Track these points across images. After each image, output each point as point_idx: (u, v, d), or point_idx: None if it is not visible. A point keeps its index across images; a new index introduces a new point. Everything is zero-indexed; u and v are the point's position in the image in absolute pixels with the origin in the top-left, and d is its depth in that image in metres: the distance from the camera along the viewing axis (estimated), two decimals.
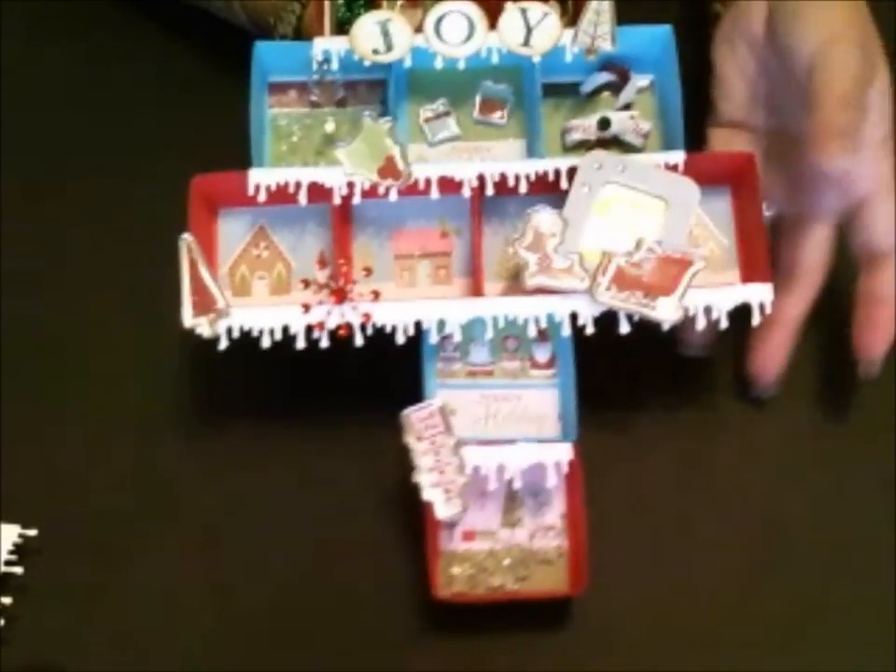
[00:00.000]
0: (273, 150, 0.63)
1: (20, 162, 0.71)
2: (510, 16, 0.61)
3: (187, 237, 0.58)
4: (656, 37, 0.62)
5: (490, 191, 0.59)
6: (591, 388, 0.60)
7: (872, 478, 0.63)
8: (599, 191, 0.58)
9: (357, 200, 0.59)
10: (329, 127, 0.63)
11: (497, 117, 0.63)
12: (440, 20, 0.60)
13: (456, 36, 0.60)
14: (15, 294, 0.68)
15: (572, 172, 0.59)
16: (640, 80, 0.63)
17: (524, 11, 0.61)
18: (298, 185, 0.59)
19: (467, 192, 0.59)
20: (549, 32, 0.60)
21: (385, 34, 0.61)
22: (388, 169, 0.59)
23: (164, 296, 0.59)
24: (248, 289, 0.61)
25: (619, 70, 0.63)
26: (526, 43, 0.60)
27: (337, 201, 0.59)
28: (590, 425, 0.60)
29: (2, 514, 0.62)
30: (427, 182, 0.59)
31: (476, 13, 0.61)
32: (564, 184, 0.59)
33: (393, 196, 0.59)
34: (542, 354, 0.61)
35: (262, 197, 0.59)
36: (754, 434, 0.64)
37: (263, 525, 0.62)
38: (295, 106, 0.64)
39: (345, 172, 0.58)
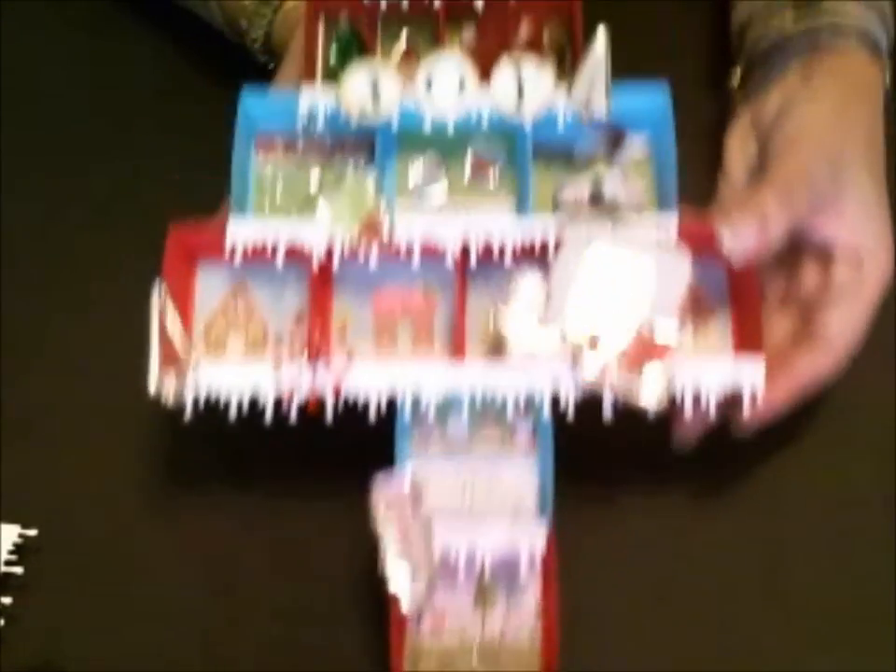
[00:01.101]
0: (256, 204, 0.61)
1: (19, 164, 0.71)
2: (503, 72, 0.58)
3: (158, 284, 0.56)
4: (653, 96, 0.60)
5: (474, 259, 0.57)
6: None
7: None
8: (587, 260, 0.57)
9: (336, 265, 0.57)
10: (315, 183, 0.61)
11: (487, 178, 0.62)
12: (430, 76, 0.59)
13: (447, 94, 0.58)
14: (15, 293, 0.68)
15: (560, 237, 0.57)
16: (636, 141, 0.61)
17: (517, 64, 0.59)
18: (276, 244, 0.56)
19: (450, 261, 0.57)
20: (542, 89, 0.58)
21: (375, 90, 0.59)
22: (370, 226, 0.57)
23: None
24: (223, 347, 0.59)
25: (614, 130, 0.61)
26: (518, 103, 0.58)
27: (315, 264, 0.57)
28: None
29: (2, 514, 0.62)
30: (409, 245, 0.56)
31: (468, 69, 0.58)
32: (551, 248, 0.56)
33: (373, 261, 0.57)
34: (523, 427, 0.59)
35: (239, 257, 0.57)
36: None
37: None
38: (281, 159, 0.62)
39: (325, 226, 0.57)
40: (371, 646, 0.57)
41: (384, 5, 0.61)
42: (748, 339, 0.58)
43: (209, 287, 0.60)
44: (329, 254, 0.57)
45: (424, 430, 0.58)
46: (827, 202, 0.60)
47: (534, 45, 0.62)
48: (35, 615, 0.60)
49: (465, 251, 0.57)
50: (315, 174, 0.61)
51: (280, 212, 0.61)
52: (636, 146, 0.61)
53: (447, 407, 0.58)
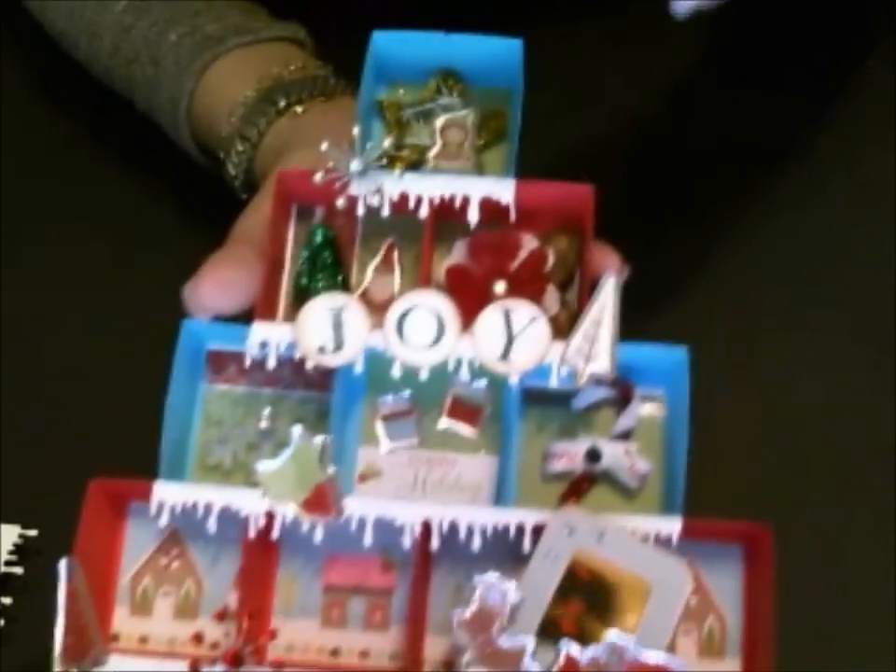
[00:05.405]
0: (200, 438, 0.53)
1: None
2: (489, 318, 0.49)
3: (69, 562, 0.48)
4: (670, 360, 0.50)
5: (436, 543, 0.48)
6: None
7: None
8: (567, 562, 0.48)
9: (275, 534, 0.49)
10: (267, 416, 0.52)
11: (468, 424, 0.53)
12: (403, 316, 0.50)
13: (422, 338, 0.49)
14: (15, 292, 0.67)
15: (538, 530, 0.48)
16: (646, 404, 0.52)
17: (507, 314, 0.50)
18: (208, 509, 0.49)
19: (408, 542, 0.49)
20: (534, 343, 0.49)
21: (337, 326, 0.50)
22: (316, 501, 0.48)
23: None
24: (149, 607, 0.51)
25: (621, 386, 0.52)
26: (506, 355, 0.49)
27: (252, 534, 0.49)
28: None
29: (2, 514, 0.61)
30: (362, 523, 0.48)
31: (448, 311, 0.49)
32: (526, 544, 0.47)
33: (318, 536, 0.49)
34: None
35: (164, 520, 0.49)
36: None
37: None
38: (232, 384, 0.53)
39: (265, 497, 0.48)
40: None
41: (361, 210, 0.52)
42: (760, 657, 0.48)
43: (139, 533, 0.52)
44: (270, 522, 0.49)
45: None
46: None
47: (535, 267, 0.52)
48: (34, 615, 0.56)
49: (426, 529, 0.49)
50: (267, 410, 0.52)
51: (225, 450, 0.53)
52: (645, 407, 0.52)
53: None
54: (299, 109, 0.61)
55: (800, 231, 0.67)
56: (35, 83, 0.77)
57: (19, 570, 0.60)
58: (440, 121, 0.54)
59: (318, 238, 0.54)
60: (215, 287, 0.51)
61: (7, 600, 0.59)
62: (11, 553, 0.60)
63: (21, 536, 0.60)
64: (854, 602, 0.56)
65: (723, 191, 0.69)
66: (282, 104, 0.61)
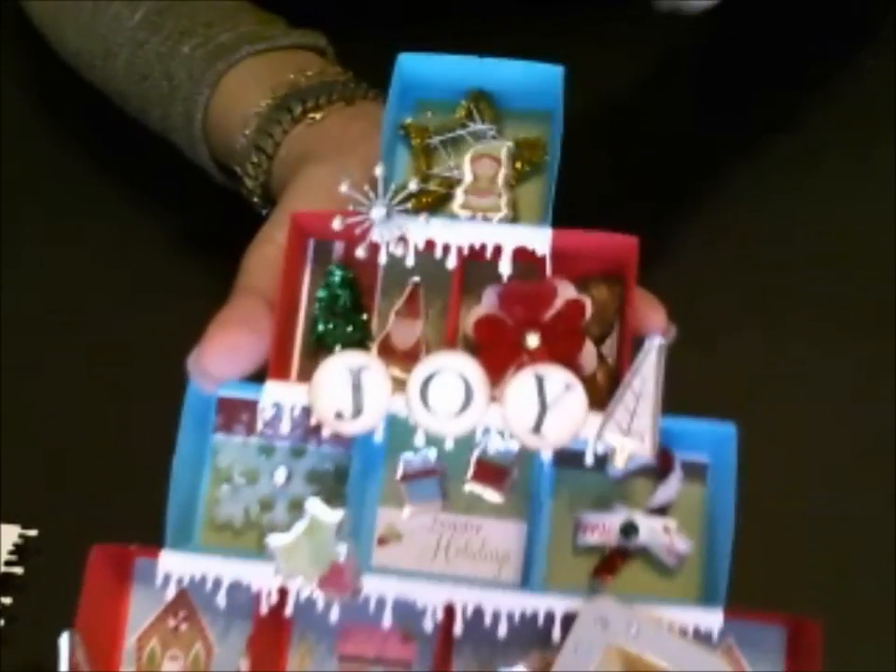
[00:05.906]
0: (209, 493, 0.50)
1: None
2: (520, 385, 0.45)
3: (70, 636, 0.46)
4: (716, 435, 0.46)
5: (459, 629, 0.45)
6: None
7: None
8: (598, 655, 0.45)
9: (289, 611, 0.47)
10: (280, 476, 0.50)
11: (496, 487, 0.50)
12: (428, 380, 0.46)
13: (448, 405, 0.45)
14: (15, 292, 0.67)
15: (569, 618, 0.45)
16: (687, 476, 0.48)
17: (540, 380, 0.46)
18: (217, 582, 0.46)
19: (429, 626, 0.45)
20: (569, 414, 0.45)
21: (356, 388, 0.46)
22: (332, 579, 0.45)
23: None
24: (156, 671, 0.50)
25: (660, 453, 0.48)
26: (538, 426, 0.45)
27: (264, 610, 0.46)
28: None
29: (2, 514, 0.61)
30: (381, 602, 0.46)
31: (476, 376, 0.45)
32: (556, 632, 0.44)
33: (334, 616, 0.46)
34: None
35: (171, 591, 0.46)
36: None
37: None
38: (244, 436, 0.50)
39: (278, 571, 0.46)
40: None
41: (384, 256, 0.48)
42: None
43: (145, 594, 0.49)
44: (283, 598, 0.46)
45: None
46: None
47: (572, 318, 0.48)
48: (35, 615, 0.59)
49: (449, 613, 0.46)
50: (280, 470, 0.50)
51: (236, 508, 0.50)
52: (685, 479, 0.48)
53: None
54: (317, 116, 0.56)
55: (798, 230, 0.65)
56: (37, 83, 0.74)
57: (19, 570, 0.60)
58: (470, 153, 0.50)
59: (336, 279, 0.50)
60: (221, 354, 0.46)
61: (7, 600, 0.59)
62: (11, 553, 0.60)
63: (21, 536, 0.60)
64: None
65: (722, 189, 0.67)
66: (297, 110, 0.56)
